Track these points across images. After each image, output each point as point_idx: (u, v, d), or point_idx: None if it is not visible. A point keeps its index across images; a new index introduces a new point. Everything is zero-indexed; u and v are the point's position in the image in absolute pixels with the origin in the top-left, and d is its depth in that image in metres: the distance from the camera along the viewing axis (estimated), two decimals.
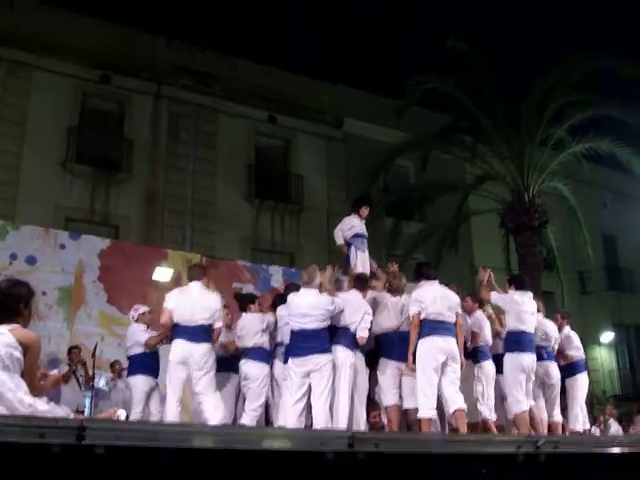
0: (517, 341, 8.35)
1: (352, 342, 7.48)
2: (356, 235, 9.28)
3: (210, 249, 18.54)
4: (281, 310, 8.45)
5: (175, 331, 7.94)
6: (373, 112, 22.52)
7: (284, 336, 8.17)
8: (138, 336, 9.54)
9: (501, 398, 8.67)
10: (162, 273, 13.80)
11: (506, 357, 8.40)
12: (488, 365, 8.70)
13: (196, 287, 8.24)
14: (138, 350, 9.55)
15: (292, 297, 7.65)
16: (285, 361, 7.96)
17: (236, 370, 8.67)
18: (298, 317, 7.39)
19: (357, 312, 7.56)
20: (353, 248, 9.18)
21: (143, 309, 9.99)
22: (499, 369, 8.61)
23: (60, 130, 18.97)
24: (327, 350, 7.27)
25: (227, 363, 8.71)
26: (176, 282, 13.52)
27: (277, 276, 14.43)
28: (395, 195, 20.96)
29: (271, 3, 45.68)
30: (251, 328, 8.47)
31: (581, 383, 9.74)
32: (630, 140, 18.02)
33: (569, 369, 9.67)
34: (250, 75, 21.82)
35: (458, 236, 19.71)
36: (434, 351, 7.37)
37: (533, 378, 8.44)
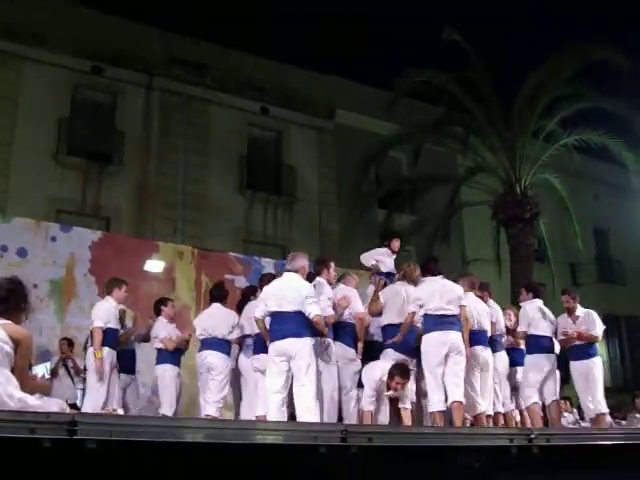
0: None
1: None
2: (388, 273, 9.16)
3: (202, 241, 18.47)
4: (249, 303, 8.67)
5: None
6: (365, 104, 22.47)
7: (252, 328, 8.24)
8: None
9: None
10: (153, 265, 13.77)
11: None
12: (499, 356, 8.78)
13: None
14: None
15: (275, 281, 7.61)
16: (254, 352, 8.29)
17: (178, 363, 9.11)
18: (274, 299, 7.25)
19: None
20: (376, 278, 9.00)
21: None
22: None
23: (51, 121, 18.87)
24: (303, 334, 7.02)
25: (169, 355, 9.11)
26: (167, 274, 13.54)
27: (269, 268, 14.36)
28: (387, 187, 20.95)
29: None
30: (221, 321, 8.67)
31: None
32: (621, 132, 18.06)
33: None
34: (242, 66, 21.73)
35: (450, 228, 19.70)
36: (436, 346, 7.53)
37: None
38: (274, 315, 7.20)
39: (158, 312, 9.71)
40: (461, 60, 17.44)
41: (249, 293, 9.21)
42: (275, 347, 7.07)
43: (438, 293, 7.74)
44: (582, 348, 9.05)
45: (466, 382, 7.89)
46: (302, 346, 6.95)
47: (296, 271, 7.42)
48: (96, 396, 8.78)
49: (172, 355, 9.21)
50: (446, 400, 7.54)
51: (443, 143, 19.13)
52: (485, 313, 8.67)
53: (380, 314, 8.19)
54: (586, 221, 20.35)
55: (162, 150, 20.63)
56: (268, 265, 14.65)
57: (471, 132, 18.51)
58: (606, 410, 9.11)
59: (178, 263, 13.69)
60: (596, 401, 8.91)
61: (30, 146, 18.21)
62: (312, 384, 6.91)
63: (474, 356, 8.17)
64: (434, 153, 19.87)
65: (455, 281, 8.30)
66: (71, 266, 12.97)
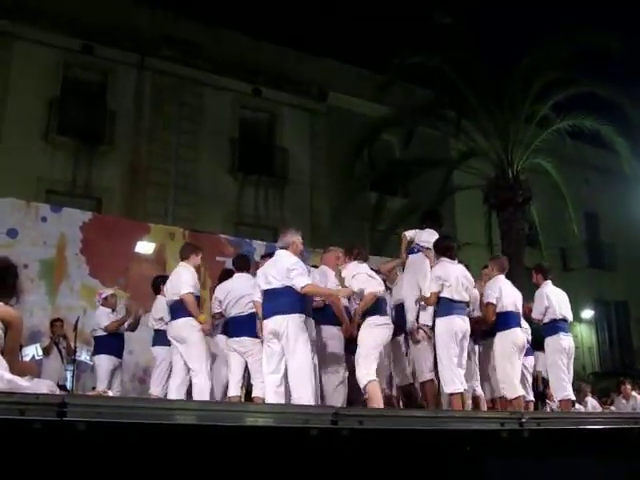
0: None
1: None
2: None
3: (193, 223, 18.43)
4: (226, 284, 8.53)
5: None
6: (358, 86, 22.42)
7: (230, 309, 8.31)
8: (101, 320, 10.20)
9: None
10: (144, 246, 13.75)
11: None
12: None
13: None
14: (103, 332, 10.18)
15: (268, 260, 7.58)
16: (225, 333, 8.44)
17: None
18: (263, 277, 7.18)
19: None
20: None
21: (106, 293, 10.66)
22: None
23: (42, 101, 18.75)
24: (290, 311, 6.83)
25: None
26: (158, 256, 13.51)
27: (260, 250, 14.33)
28: (379, 170, 20.92)
29: None
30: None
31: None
32: (614, 118, 18.06)
33: None
34: (235, 47, 21.60)
35: (442, 212, 19.65)
36: (454, 329, 7.50)
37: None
38: (264, 293, 7.12)
39: (157, 291, 9.58)
40: (455, 43, 17.36)
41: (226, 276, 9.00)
42: (265, 325, 6.99)
43: (461, 278, 7.76)
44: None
45: (504, 364, 8.10)
46: (290, 324, 6.79)
47: (286, 247, 7.27)
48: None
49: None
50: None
51: (436, 126, 19.12)
52: (519, 296, 8.69)
53: None
54: (577, 206, 20.33)
55: (154, 131, 20.54)
56: (259, 247, 14.64)
57: (464, 116, 18.46)
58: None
59: (169, 244, 13.66)
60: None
61: (20, 126, 18.11)
62: (304, 362, 6.77)
63: (512, 338, 8.24)
64: (427, 136, 19.85)
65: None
66: (62, 247, 12.94)
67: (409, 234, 8.42)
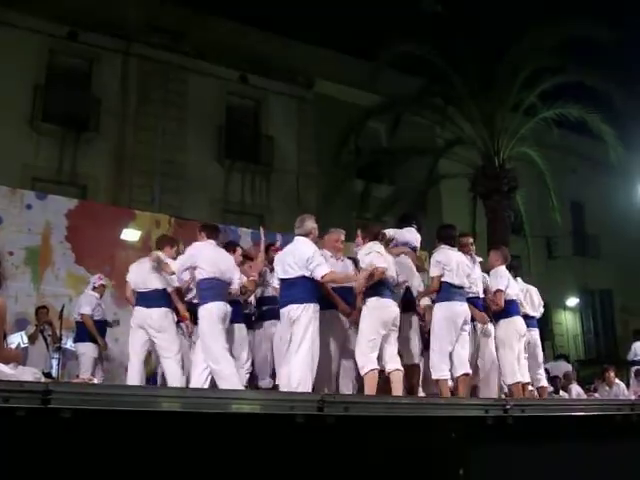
0: None
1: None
2: None
3: (179, 210, 18.40)
4: None
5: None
6: (345, 73, 22.36)
7: None
8: (85, 305, 10.27)
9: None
10: (130, 234, 13.71)
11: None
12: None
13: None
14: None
15: (286, 247, 7.47)
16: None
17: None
18: (280, 265, 7.18)
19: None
20: None
21: (101, 281, 10.44)
22: None
23: (27, 88, 18.62)
24: (303, 300, 6.86)
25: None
26: (144, 243, 13.47)
27: (246, 237, 14.33)
28: (366, 158, 20.93)
29: None
30: None
31: None
32: (601, 107, 18.09)
33: None
34: (221, 34, 21.47)
35: (428, 200, 19.72)
36: (453, 316, 7.47)
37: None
38: (281, 281, 7.16)
39: None
40: (444, 31, 17.35)
41: None
42: (281, 314, 7.05)
43: (461, 264, 7.73)
44: None
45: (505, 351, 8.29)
46: (302, 312, 6.82)
47: (306, 235, 7.23)
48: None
49: None
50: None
51: (423, 114, 19.10)
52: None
53: None
54: (563, 195, 20.43)
55: (139, 118, 20.44)
56: (245, 235, 14.62)
57: (451, 103, 18.49)
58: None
59: (155, 232, 13.61)
60: None
61: (5, 113, 17.96)
62: (306, 351, 6.76)
63: (515, 326, 8.44)
64: (414, 124, 19.84)
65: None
66: (47, 234, 12.89)
67: (389, 232, 8.34)
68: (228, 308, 7.49)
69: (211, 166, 21.23)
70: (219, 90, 21.93)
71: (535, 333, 9.16)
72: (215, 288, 7.46)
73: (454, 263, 7.65)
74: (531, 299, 9.27)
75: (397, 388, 7.04)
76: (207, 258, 7.53)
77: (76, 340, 10.60)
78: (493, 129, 17.85)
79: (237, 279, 7.81)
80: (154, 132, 20.53)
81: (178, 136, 20.89)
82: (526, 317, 8.82)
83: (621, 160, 18.37)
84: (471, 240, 8.45)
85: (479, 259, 8.51)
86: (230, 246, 8.48)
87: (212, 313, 7.37)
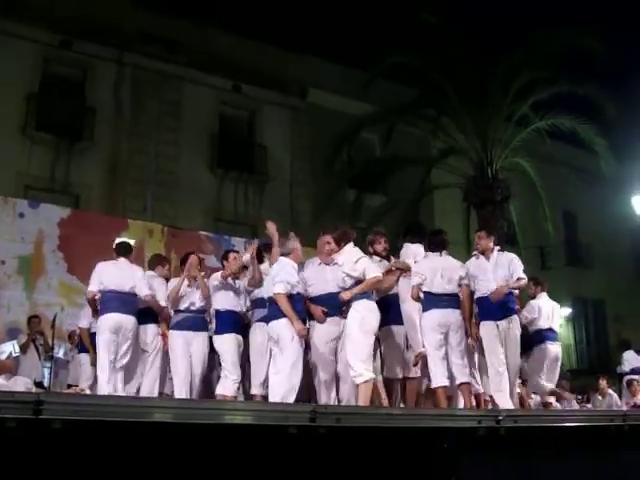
0: None
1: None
2: None
3: (172, 219, 18.37)
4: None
5: None
6: (339, 83, 22.43)
7: None
8: (85, 319, 9.96)
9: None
10: None
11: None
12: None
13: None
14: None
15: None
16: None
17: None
18: (271, 281, 7.26)
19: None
20: None
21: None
22: None
23: (20, 96, 18.58)
24: (281, 316, 6.96)
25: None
26: (137, 252, 13.42)
27: (239, 247, 14.30)
28: (359, 167, 20.93)
29: None
30: None
31: None
32: (593, 118, 18.16)
33: None
34: (216, 44, 21.51)
35: (421, 209, 19.76)
36: (434, 325, 7.44)
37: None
38: (269, 299, 7.28)
39: None
40: (438, 43, 17.41)
41: None
42: (269, 329, 7.19)
43: (440, 270, 7.61)
44: None
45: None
46: (281, 328, 6.94)
47: (287, 254, 7.35)
48: None
49: None
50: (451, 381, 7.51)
51: (416, 125, 19.15)
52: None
53: None
54: (556, 205, 20.47)
55: (133, 127, 20.42)
56: (238, 244, 14.62)
57: (444, 114, 18.53)
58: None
59: (148, 241, 13.64)
60: None
61: None
62: (288, 366, 6.79)
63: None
64: (407, 134, 19.89)
65: None
66: (40, 243, 12.88)
67: (409, 264, 8.05)
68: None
69: (204, 175, 21.21)
70: (213, 100, 21.93)
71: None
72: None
73: (428, 271, 7.57)
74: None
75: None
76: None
77: (80, 351, 10.49)
78: (486, 139, 17.89)
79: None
80: (148, 141, 20.50)
81: (171, 145, 20.87)
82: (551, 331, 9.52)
83: (613, 170, 18.45)
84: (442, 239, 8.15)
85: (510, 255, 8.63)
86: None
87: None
